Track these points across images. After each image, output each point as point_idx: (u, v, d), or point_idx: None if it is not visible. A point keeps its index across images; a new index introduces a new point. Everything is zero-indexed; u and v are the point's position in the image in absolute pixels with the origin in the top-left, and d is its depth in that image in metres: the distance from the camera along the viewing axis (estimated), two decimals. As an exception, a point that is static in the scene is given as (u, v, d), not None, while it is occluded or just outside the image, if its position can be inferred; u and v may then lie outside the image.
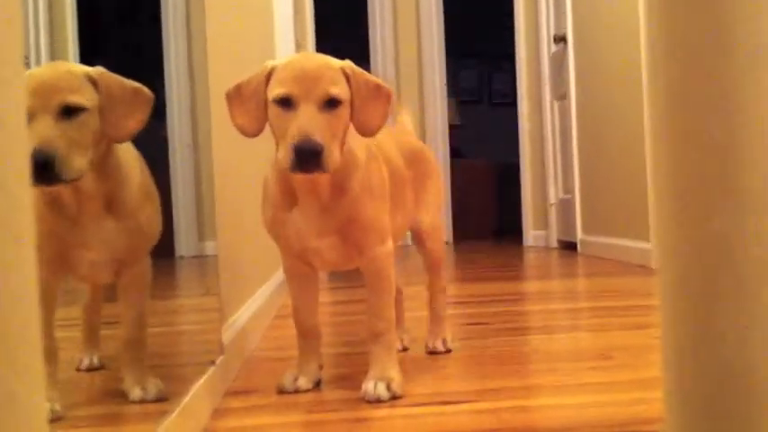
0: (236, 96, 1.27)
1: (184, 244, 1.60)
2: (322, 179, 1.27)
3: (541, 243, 5.26)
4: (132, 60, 1.38)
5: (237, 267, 1.79)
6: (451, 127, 6.34)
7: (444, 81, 6.14)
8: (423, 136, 6.03)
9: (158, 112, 1.41)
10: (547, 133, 5.08)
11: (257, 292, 2.10)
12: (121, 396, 1.11)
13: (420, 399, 1.30)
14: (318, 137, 1.15)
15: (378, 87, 1.29)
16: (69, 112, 0.94)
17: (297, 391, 1.37)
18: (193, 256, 1.66)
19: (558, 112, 4.91)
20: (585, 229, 4.45)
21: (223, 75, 1.73)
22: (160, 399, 1.10)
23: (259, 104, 1.24)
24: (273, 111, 1.22)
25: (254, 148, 2.34)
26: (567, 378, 1.41)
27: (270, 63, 1.27)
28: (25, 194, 0.31)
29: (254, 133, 1.27)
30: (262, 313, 2.03)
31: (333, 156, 1.18)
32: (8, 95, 0.29)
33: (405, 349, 1.73)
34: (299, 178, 1.26)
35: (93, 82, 0.98)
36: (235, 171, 1.85)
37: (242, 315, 1.74)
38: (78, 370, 1.23)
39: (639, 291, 2.67)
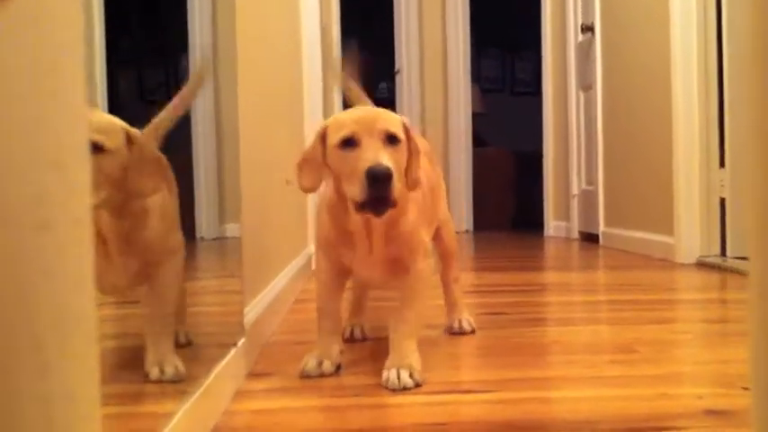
0: (303, 164, 1.35)
1: (205, 226, 1.61)
2: (378, 227, 1.33)
3: (562, 234, 5.23)
4: (157, 40, 1.38)
5: (260, 251, 1.79)
6: (474, 115, 6.30)
7: (468, 69, 6.09)
8: (445, 123, 6.00)
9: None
10: (571, 124, 5.03)
11: (278, 275, 2.11)
12: (142, 379, 1.12)
13: (439, 387, 1.30)
14: (386, 161, 1.20)
15: (417, 143, 1.35)
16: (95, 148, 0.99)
17: (321, 376, 1.38)
18: (214, 239, 1.66)
19: (584, 103, 4.86)
20: (608, 222, 4.41)
21: (251, 58, 1.72)
22: (177, 379, 1.11)
23: (318, 163, 1.32)
24: (337, 155, 1.27)
25: (280, 132, 2.34)
26: (588, 371, 1.40)
27: (321, 125, 1.37)
28: (84, 176, 0.30)
29: (314, 189, 1.36)
30: (283, 297, 2.03)
31: (398, 188, 1.22)
32: (68, 77, 0.28)
33: (364, 339, 1.74)
34: (357, 224, 1.33)
35: (129, 138, 1.05)
36: (260, 155, 1.85)
37: (263, 298, 1.74)
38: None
39: (662, 285, 2.64)
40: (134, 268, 1.13)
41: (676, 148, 3.36)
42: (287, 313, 2.09)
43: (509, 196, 6.82)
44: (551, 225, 5.36)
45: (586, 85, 4.76)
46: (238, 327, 1.40)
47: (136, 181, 1.07)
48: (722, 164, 3.24)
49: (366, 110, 1.35)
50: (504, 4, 7.66)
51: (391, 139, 1.26)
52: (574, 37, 4.95)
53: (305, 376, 1.38)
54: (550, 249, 4.38)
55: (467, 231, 6.04)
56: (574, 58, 4.96)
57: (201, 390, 1.04)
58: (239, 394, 1.26)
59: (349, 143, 1.25)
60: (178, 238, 1.22)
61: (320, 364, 1.39)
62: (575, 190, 5.00)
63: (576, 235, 4.99)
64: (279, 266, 2.16)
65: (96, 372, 0.33)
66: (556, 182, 5.31)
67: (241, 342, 1.36)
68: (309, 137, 3.53)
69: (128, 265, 1.12)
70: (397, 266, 1.40)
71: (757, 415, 0.43)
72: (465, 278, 2.94)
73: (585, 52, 4.73)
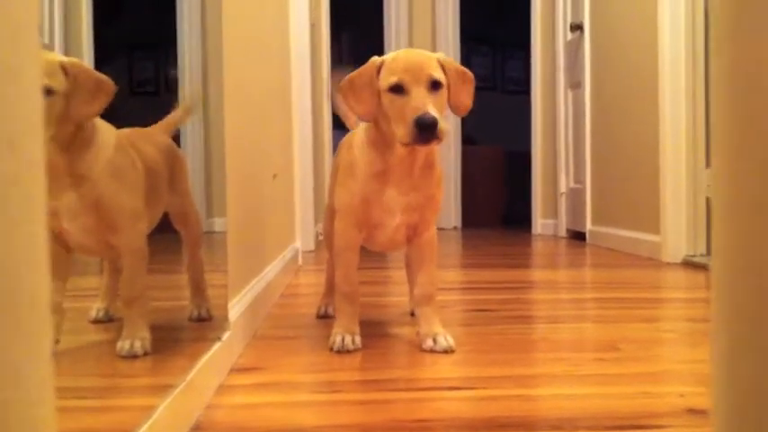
0: (349, 89, 1.49)
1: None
2: (420, 155, 1.49)
3: (550, 232, 5.24)
4: (145, 33, 1.37)
5: (246, 245, 1.78)
6: (464, 113, 6.30)
7: (458, 66, 6.09)
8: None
9: (169, 87, 1.40)
10: (560, 122, 5.04)
11: (265, 270, 2.10)
12: (125, 372, 1.11)
13: (425, 383, 1.30)
14: (432, 111, 1.36)
15: (464, 72, 1.51)
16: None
17: (356, 350, 1.53)
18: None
19: (572, 101, 4.87)
20: (595, 220, 4.42)
21: (238, 54, 1.71)
22: (143, 353, 1.11)
23: (372, 93, 1.46)
24: (387, 97, 1.43)
25: (267, 127, 2.33)
26: (573, 368, 1.40)
27: (378, 58, 1.50)
28: (37, 153, 0.30)
29: (370, 119, 1.49)
30: (269, 292, 2.03)
31: (443, 127, 1.37)
32: (23, 49, 0.28)
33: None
34: (401, 155, 1.48)
35: (65, 70, 1.03)
36: (247, 148, 1.84)
37: (249, 293, 1.74)
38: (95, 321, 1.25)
39: (648, 283, 2.65)
40: (90, 220, 1.11)
41: (664, 147, 3.37)
42: (273, 308, 2.09)
43: (499, 194, 6.84)
44: (539, 223, 5.37)
45: (575, 84, 4.77)
46: (223, 321, 1.40)
47: (76, 108, 1.05)
48: (709, 163, 3.26)
49: (413, 55, 1.46)
50: (494, 3, 7.67)
51: (435, 85, 1.42)
52: (563, 35, 4.96)
53: (338, 351, 1.51)
54: (538, 247, 4.39)
55: (455, 228, 6.04)
56: (563, 57, 4.98)
57: (184, 384, 1.04)
58: (222, 389, 1.26)
59: (398, 89, 1.41)
60: (155, 212, 1.21)
61: (353, 340, 1.54)
62: (563, 188, 5.01)
63: (563, 233, 5.01)
64: (265, 261, 2.16)
65: (48, 352, 0.32)
66: (544, 180, 5.32)
67: (225, 336, 1.35)
68: (298, 132, 3.51)
69: (82, 211, 1.10)
70: (421, 225, 1.57)
71: (719, 414, 0.43)
72: (453, 275, 2.94)
73: (574, 51, 4.74)
